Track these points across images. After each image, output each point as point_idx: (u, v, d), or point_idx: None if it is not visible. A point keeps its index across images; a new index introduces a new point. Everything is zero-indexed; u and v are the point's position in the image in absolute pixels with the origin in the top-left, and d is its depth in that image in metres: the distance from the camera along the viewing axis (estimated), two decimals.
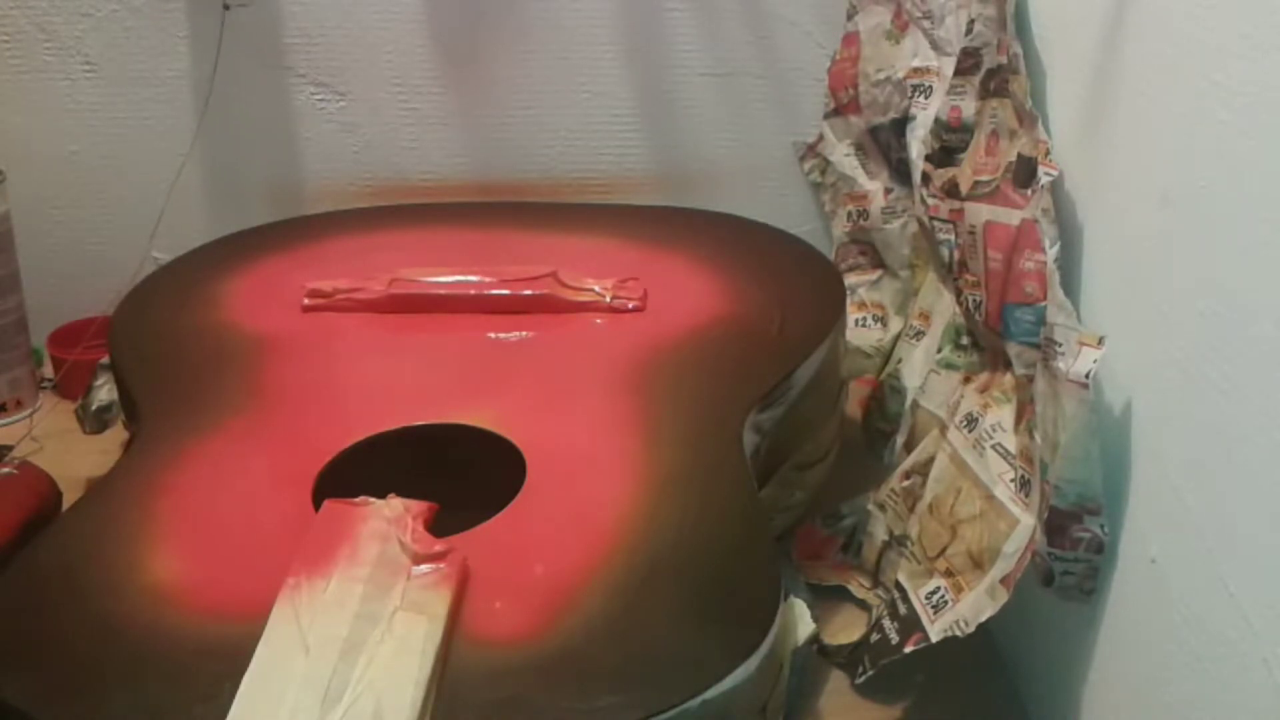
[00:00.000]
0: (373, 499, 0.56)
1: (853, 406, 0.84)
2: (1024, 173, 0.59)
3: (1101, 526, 0.52)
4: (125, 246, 0.89)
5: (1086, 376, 0.50)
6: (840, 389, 0.78)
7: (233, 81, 0.91)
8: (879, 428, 0.81)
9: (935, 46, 0.75)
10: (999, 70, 0.63)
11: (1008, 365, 0.61)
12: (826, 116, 0.90)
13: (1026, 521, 0.56)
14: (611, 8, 0.91)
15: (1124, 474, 0.51)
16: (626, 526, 0.57)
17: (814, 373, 0.70)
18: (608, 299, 0.74)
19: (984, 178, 0.63)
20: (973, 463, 0.62)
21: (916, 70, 0.77)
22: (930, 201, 0.68)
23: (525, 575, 0.54)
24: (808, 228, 0.94)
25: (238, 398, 0.67)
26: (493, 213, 0.90)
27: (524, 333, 0.73)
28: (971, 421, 0.63)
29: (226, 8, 0.88)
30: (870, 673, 0.61)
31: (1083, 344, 0.51)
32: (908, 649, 0.59)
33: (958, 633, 0.57)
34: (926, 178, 0.69)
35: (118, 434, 0.78)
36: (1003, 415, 0.61)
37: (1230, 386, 0.43)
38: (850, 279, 0.88)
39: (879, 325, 0.87)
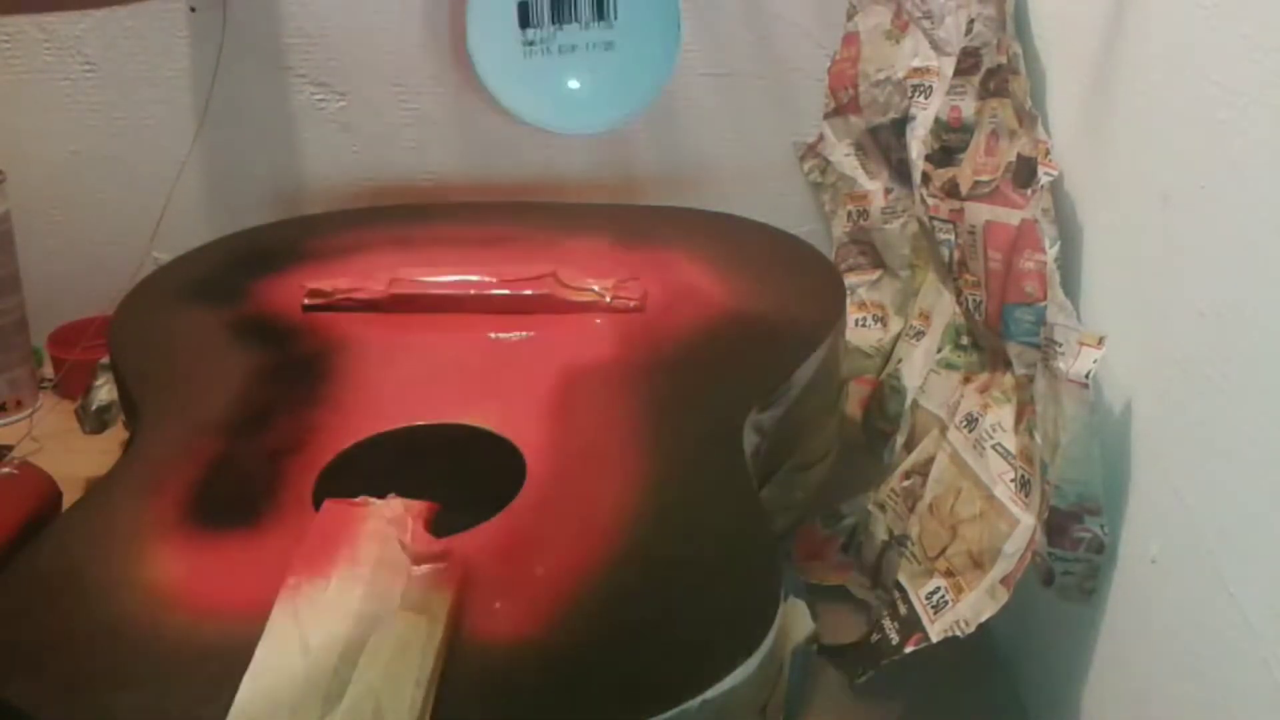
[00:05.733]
0: (373, 499, 0.56)
1: (853, 406, 0.84)
2: (1024, 173, 0.59)
3: (1101, 526, 0.52)
4: (125, 246, 0.89)
5: (1086, 376, 0.50)
6: (840, 389, 0.78)
7: (233, 81, 0.91)
8: (879, 428, 0.81)
9: (935, 46, 0.75)
10: (999, 70, 0.63)
11: (1008, 365, 0.61)
12: (826, 116, 0.90)
13: (1026, 521, 0.56)
14: None
15: (1124, 474, 0.51)
16: (626, 526, 0.57)
17: (814, 373, 0.70)
18: (608, 299, 0.74)
19: (984, 178, 0.63)
20: (973, 463, 0.62)
21: (916, 70, 0.77)
22: (930, 201, 0.68)
23: (525, 575, 0.54)
24: (808, 228, 0.94)
25: (237, 398, 0.67)
26: (493, 213, 0.90)
27: (524, 333, 0.72)
28: (971, 421, 0.63)
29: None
30: (870, 673, 0.61)
31: (1083, 344, 0.51)
32: (908, 649, 0.59)
33: (958, 633, 0.57)
34: (926, 178, 0.69)
35: (118, 434, 0.77)
36: (1003, 415, 0.61)
37: (1230, 386, 0.43)
38: (850, 279, 0.88)
39: (879, 325, 0.87)
